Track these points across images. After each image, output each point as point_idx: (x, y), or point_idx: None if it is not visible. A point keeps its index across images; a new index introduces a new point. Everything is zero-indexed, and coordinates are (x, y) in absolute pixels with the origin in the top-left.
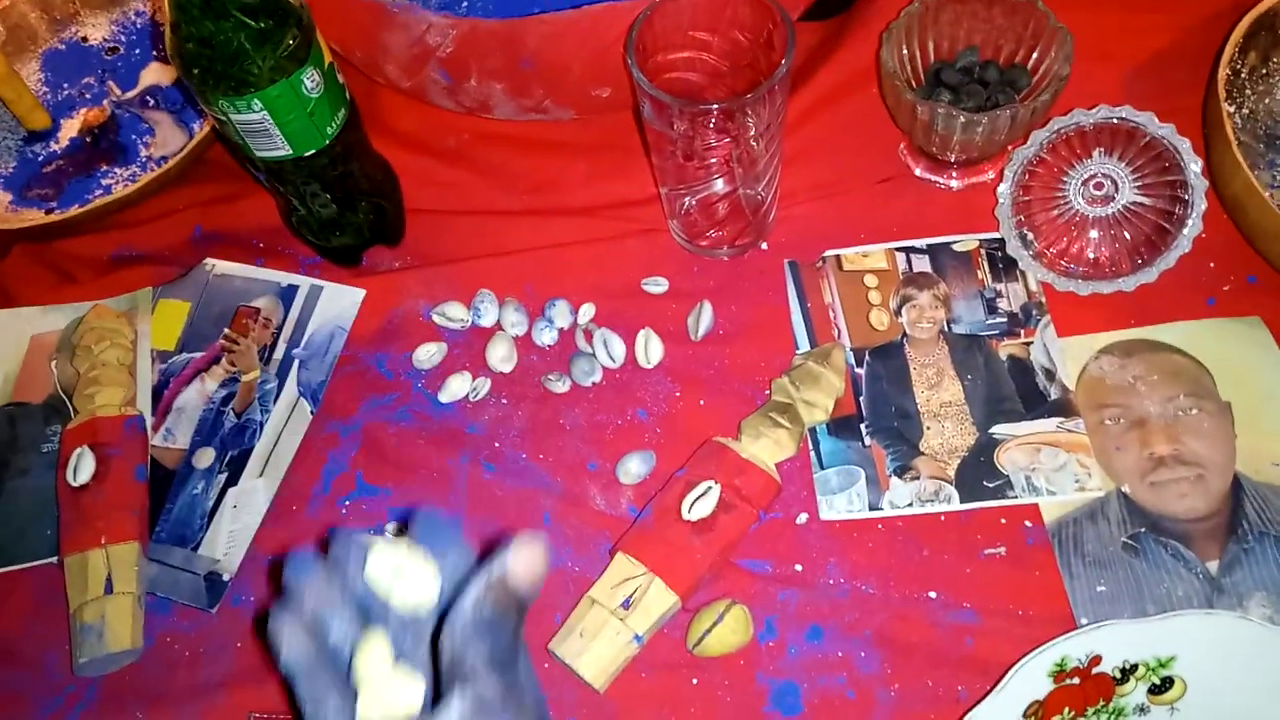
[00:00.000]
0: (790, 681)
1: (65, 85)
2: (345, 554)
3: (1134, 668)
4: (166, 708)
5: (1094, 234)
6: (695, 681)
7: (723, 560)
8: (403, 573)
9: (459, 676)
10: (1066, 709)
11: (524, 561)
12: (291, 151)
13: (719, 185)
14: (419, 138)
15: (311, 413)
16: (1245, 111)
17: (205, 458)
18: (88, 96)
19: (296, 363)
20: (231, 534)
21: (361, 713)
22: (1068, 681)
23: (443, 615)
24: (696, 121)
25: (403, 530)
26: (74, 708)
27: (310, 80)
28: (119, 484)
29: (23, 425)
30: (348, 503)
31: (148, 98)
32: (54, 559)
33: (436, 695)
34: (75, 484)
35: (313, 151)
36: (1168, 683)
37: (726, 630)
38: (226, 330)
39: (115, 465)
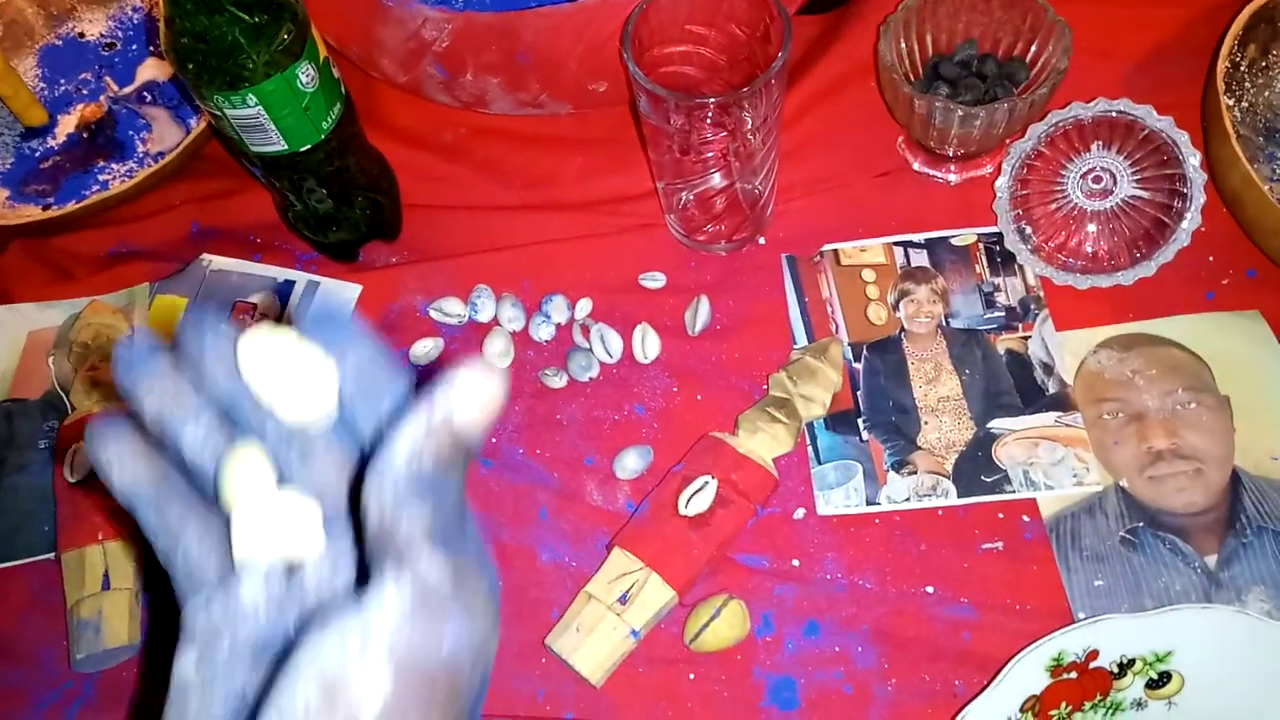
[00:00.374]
0: (787, 676)
1: (62, 81)
2: (202, 344)
3: (1131, 662)
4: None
5: (1092, 228)
6: (692, 676)
7: (720, 555)
8: (289, 371)
9: (393, 552)
10: (1063, 704)
11: (472, 397)
12: (287, 147)
13: (716, 180)
14: (416, 133)
15: None
16: (1244, 105)
17: None
18: (85, 92)
19: None
20: None
21: (238, 543)
22: (1065, 676)
23: (363, 462)
24: (693, 116)
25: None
26: (72, 703)
27: (305, 75)
28: None
29: (20, 421)
30: None
31: (145, 93)
32: (51, 555)
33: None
34: (73, 480)
35: (308, 146)
36: (1165, 677)
37: (723, 625)
38: None
39: None
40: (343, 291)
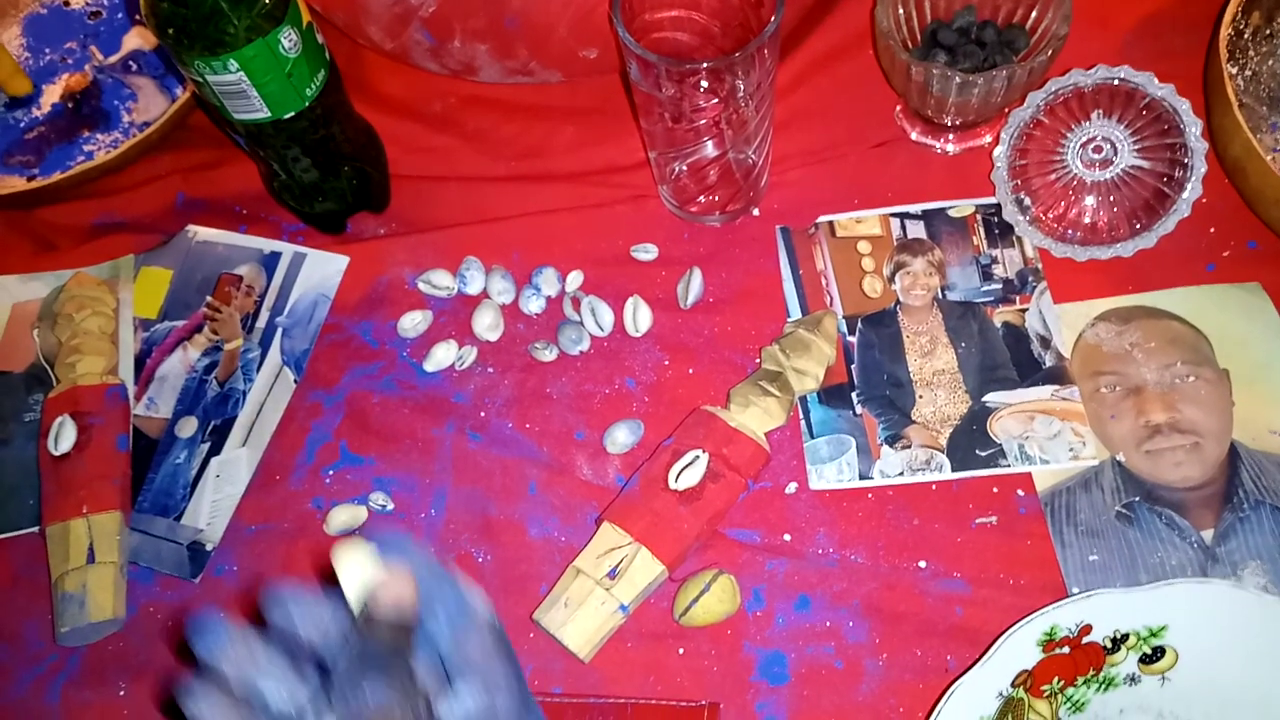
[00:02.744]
0: (777, 651)
1: (47, 50)
2: (291, 619)
3: (1125, 637)
4: (149, 678)
5: (1091, 199)
6: (681, 651)
7: (710, 530)
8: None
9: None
10: (1056, 679)
11: (393, 592)
12: (270, 114)
13: (709, 149)
14: (405, 102)
15: (295, 382)
16: (1248, 73)
17: (188, 427)
18: (70, 61)
19: (280, 331)
20: (214, 504)
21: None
22: (1057, 651)
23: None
24: (684, 83)
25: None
26: (56, 677)
27: (288, 40)
28: (100, 453)
29: (4, 395)
30: (331, 472)
31: (130, 62)
32: (36, 529)
33: None
34: (57, 453)
35: (292, 114)
36: (1159, 652)
37: (713, 600)
38: (209, 298)
39: (97, 434)
40: (329, 263)
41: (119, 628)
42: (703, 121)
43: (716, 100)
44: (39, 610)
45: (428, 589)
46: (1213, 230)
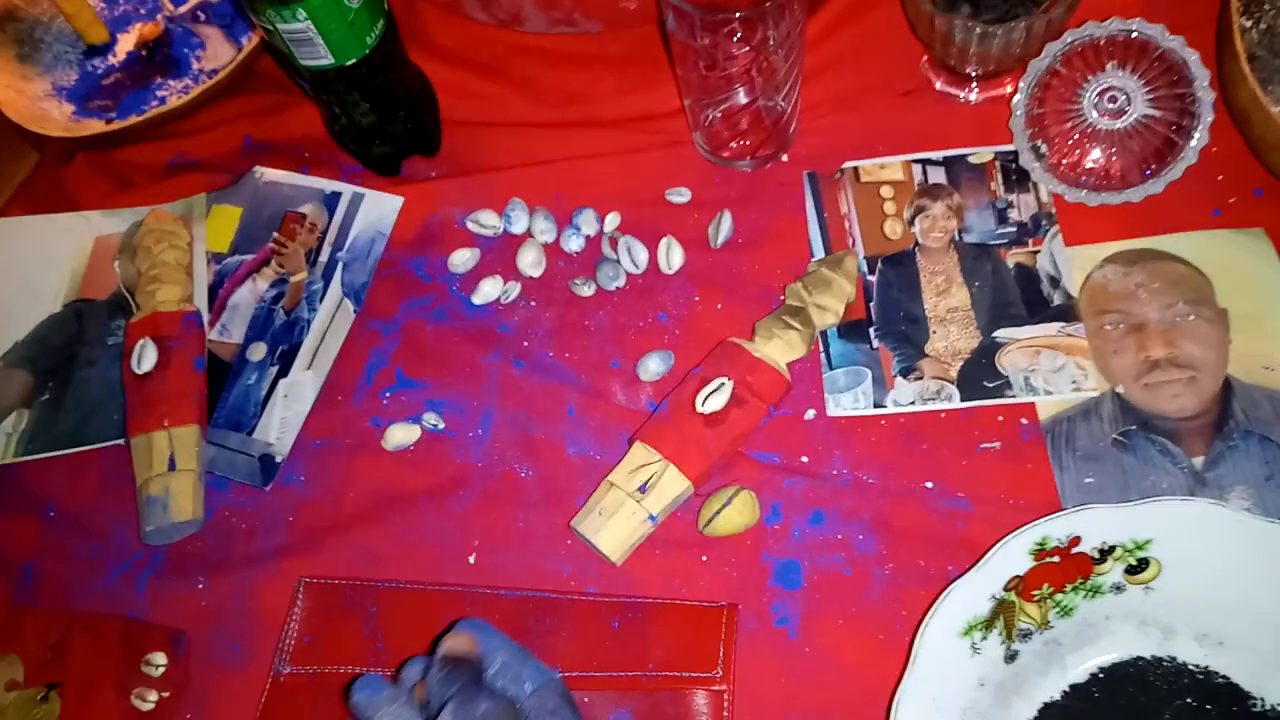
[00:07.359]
0: (792, 560)
1: (121, 1)
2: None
3: (1112, 549)
4: (225, 574)
5: (1104, 146)
6: (704, 558)
7: (733, 450)
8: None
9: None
10: (1046, 585)
11: (456, 642)
12: (334, 60)
13: (741, 96)
14: (456, 51)
15: (355, 312)
16: (1263, 26)
17: (258, 351)
18: (142, 11)
19: (340, 265)
20: (283, 420)
21: None
22: (1048, 559)
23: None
24: (718, 32)
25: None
26: (142, 571)
27: None
28: (179, 373)
29: (89, 320)
30: (388, 394)
31: (198, 12)
32: (121, 440)
33: None
34: (139, 372)
35: (353, 60)
36: (1143, 564)
37: (734, 512)
38: (275, 234)
39: (175, 356)
40: (386, 203)
41: (198, 528)
42: (735, 70)
43: (748, 49)
44: (126, 513)
45: (493, 647)
46: (1220, 178)
